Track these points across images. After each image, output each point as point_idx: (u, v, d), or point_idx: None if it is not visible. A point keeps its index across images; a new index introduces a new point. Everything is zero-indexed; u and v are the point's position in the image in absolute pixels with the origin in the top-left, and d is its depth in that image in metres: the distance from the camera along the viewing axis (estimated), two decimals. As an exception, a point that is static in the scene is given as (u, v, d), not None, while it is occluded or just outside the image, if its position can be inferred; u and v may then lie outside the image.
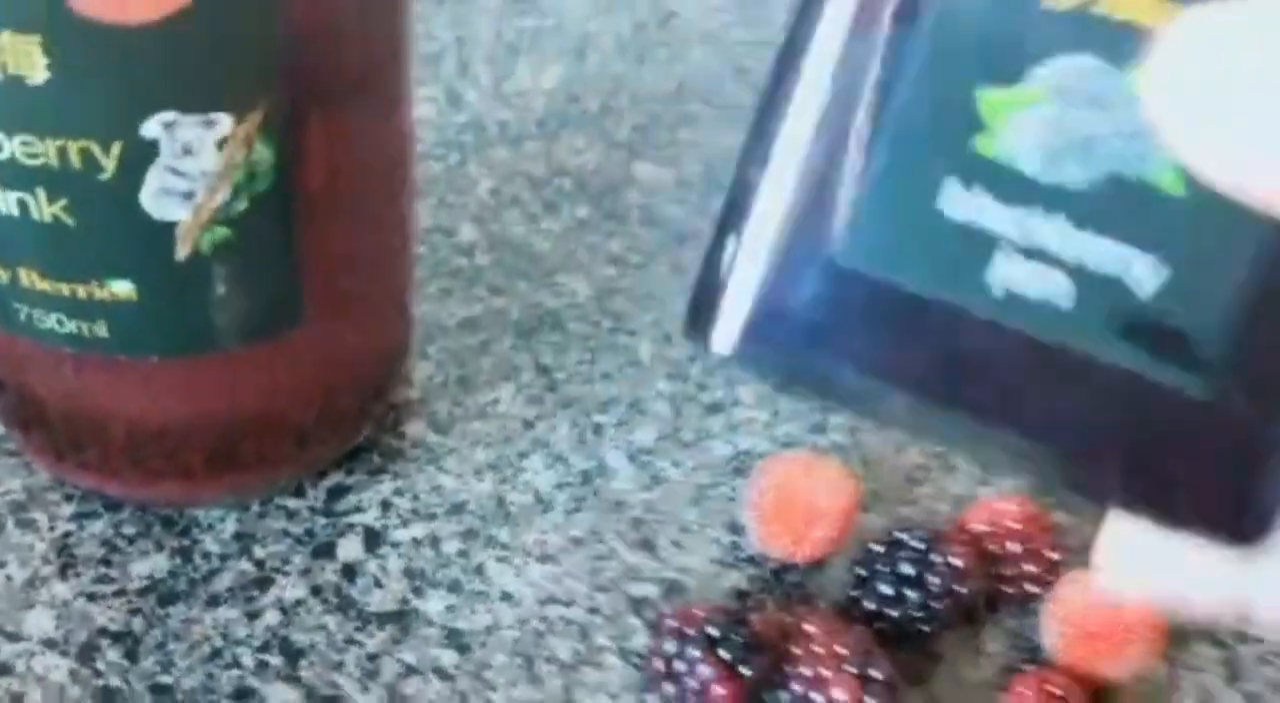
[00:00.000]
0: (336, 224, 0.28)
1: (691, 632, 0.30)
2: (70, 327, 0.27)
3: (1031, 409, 0.17)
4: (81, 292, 0.26)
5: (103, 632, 0.31)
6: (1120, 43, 0.15)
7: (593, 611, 0.33)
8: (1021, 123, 0.16)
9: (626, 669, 0.32)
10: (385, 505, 0.35)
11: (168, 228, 0.25)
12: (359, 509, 0.34)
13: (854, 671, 0.29)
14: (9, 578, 0.32)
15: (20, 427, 0.32)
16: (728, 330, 0.17)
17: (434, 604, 0.33)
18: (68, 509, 0.33)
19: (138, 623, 0.31)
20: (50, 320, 0.27)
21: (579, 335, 0.40)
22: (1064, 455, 0.17)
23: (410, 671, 0.31)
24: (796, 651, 0.30)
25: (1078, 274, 0.16)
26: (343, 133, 0.27)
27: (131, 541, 0.33)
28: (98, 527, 0.33)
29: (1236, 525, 0.16)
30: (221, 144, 0.25)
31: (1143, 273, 0.16)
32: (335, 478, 0.35)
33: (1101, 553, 0.16)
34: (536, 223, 0.43)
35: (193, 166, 0.25)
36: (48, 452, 0.32)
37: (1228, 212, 0.15)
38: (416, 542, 0.34)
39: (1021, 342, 0.16)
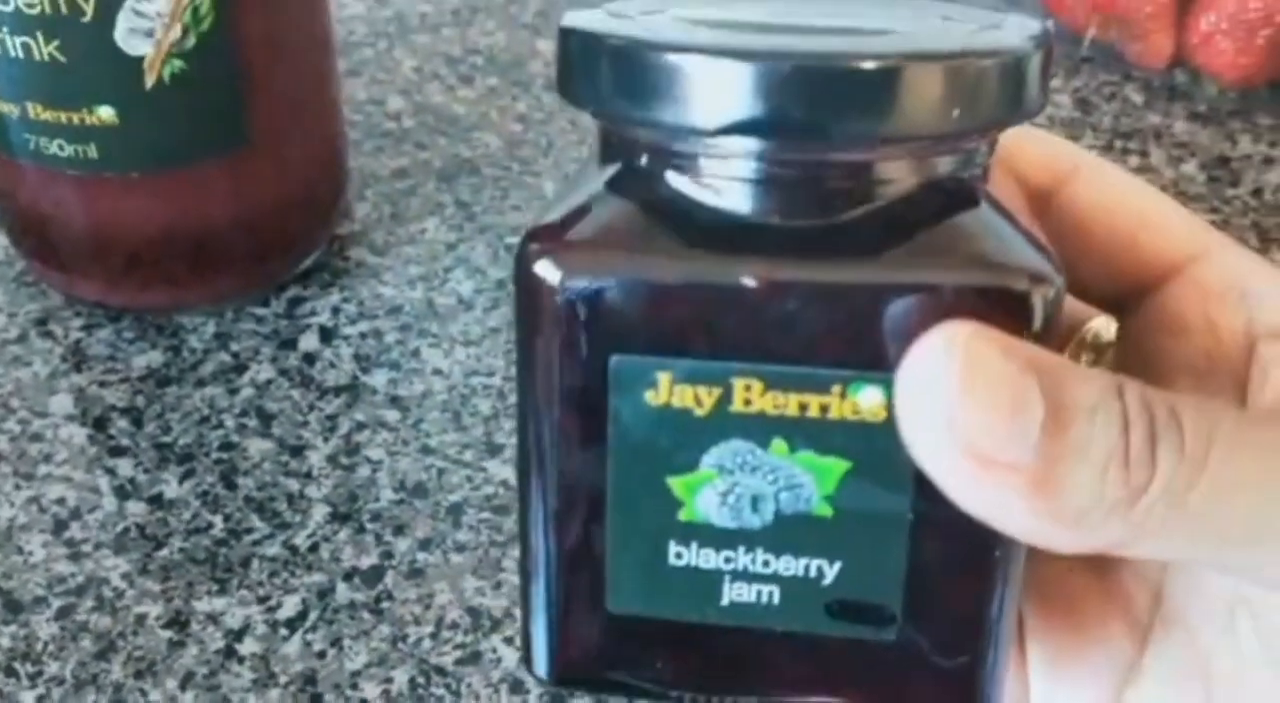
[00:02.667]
0: (271, 62, 0.36)
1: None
2: (69, 150, 0.35)
3: (776, 677, 0.22)
4: (75, 118, 0.34)
5: (113, 408, 0.39)
6: (755, 428, 0.20)
7: (508, 379, 0.41)
8: (706, 495, 0.21)
9: (535, 418, 0.40)
10: (336, 310, 0.43)
11: (137, 61, 0.33)
12: (314, 313, 0.42)
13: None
14: (35, 374, 0.40)
15: (35, 254, 0.40)
16: (543, 662, 0.23)
17: (379, 379, 0.41)
18: (78, 322, 0.41)
19: (140, 400, 0.39)
20: (53, 146, 0.35)
21: (492, 177, 0.48)
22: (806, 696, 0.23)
23: (361, 426, 0.39)
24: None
25: (779, 581, 0.21)
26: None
27: (131, 342, 0.41)
28: (103, 333, 0.41)
29: None
30: (173, -12, 0.32)
31: (821, 571, 0.21)
32: (294, 291, 0.43)
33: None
34: (454, 92, 0.51)
35: (151, 8, 0.32)
36: (55, 268, 0.39)
37: (865, 519, 0.21)
38: (363, 335, 0.42)
39: (757, 634, 0.22)
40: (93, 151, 0.35)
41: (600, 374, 0.20)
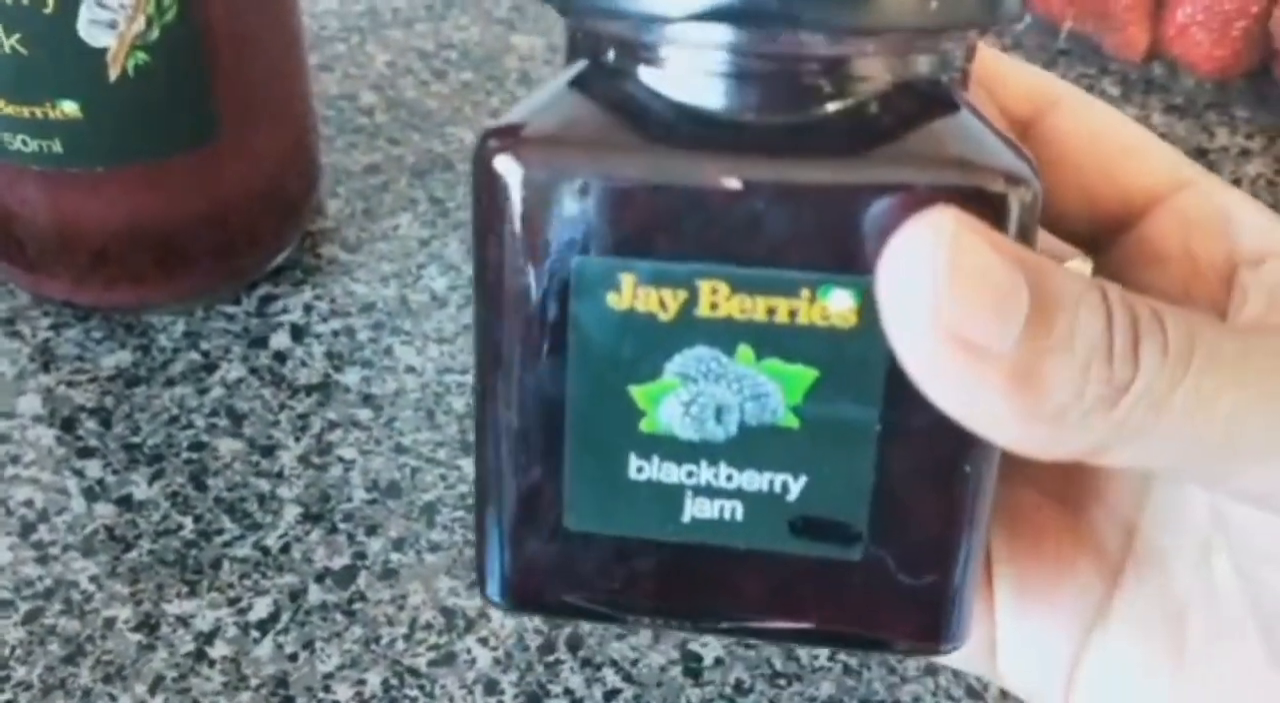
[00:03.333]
0: (238, 55, 0.35)
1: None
2: (33, 146, 0.34)
3: (738, 599, 0.21)
4: (39, 112, 0.33)
5: (81, 408, 0.39)
6: (720, 334, 0.19)
7: (482, 376, 0.40)
8: (668, 405, 0.20)
9: (510, 416, 0.39)
10: (308, 308, 0.42)
11: (100, 53, 0.33)
12: (286, 311, 0.42)
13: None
14: (2, 374, 0.39)
15: (1, 253, 0.39)
16: (497, 584, 0.22)
17: (351, 377, 0.40)
18: (46, 322, 0.41)
19: (109, 400, 0.39)
20: (16, 141, 0.34)
21: (466, 173, 0.47)
22: (777, 630, 0.22)
23: (333, 425, 0.39)
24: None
25: (742, 497, 0.21)
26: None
27: (100, 341, 0.40)
28: (71, 333, 0.40)
29: (934, 638, 0.21)
30: (136, -20, 0.32)
31: (786, 486, 0.20)
32: (265, 289, 0.42)
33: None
34: (427, 87, 0.50)
35: (113, 0, 0.32)
36: (21, 267, 0.39)
37: (832, 431, 0.20)
38: (335, 333, 0.41)
39: (718, 553, 0.21)
40: (57, 147, 0.34)
41: (561, 277, 0.20)
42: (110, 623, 0.34)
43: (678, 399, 0.20)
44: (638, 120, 0.20)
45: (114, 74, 0.33)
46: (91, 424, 0.38)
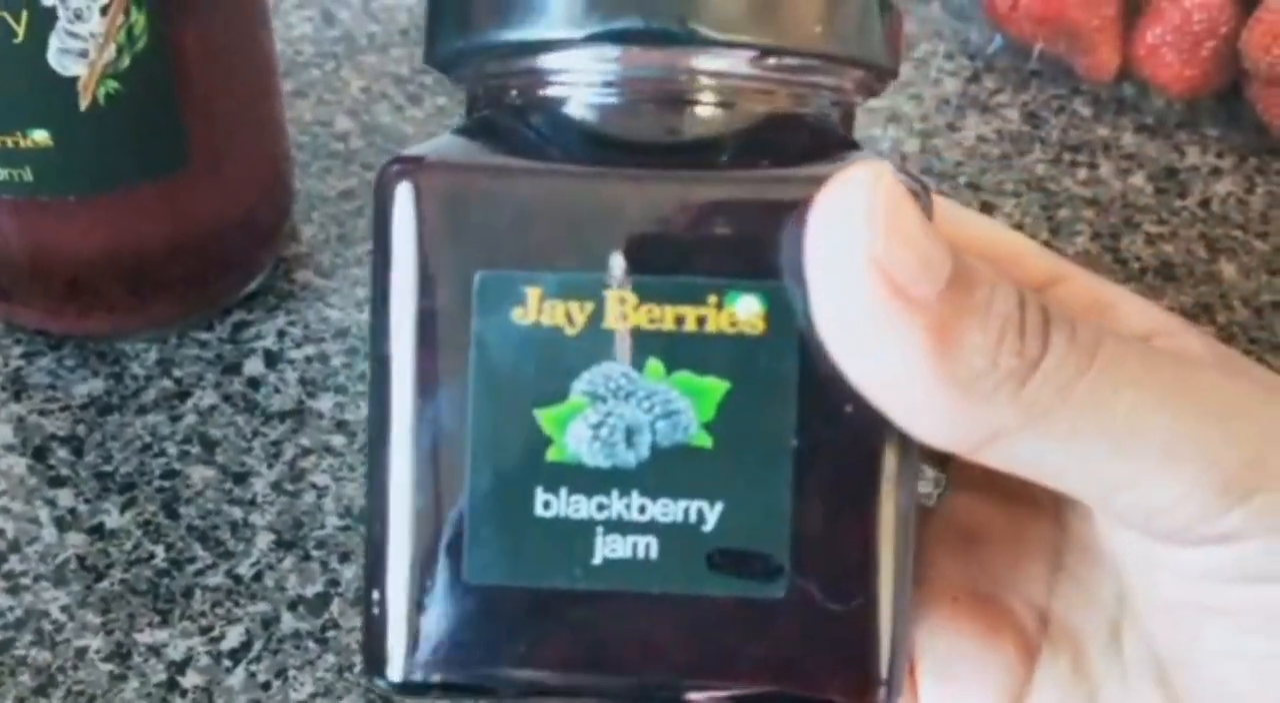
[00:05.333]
0: (210, 82, 0.35)
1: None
2: (3, 174, 0.34)
3: (654, 657, 0.20)
4: (9, 141, 0.33)
5: (53, 437, 0.38)
6: (629, 347, 0.19)
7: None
8: (576, 428, 0.19)
9: (485, 441, 0.39)
10: (281, 334, 0.42)
11: (70, 82, 0.32)
12: (259, 337, 0.42)
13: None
14: (-27, 403, 0.39)
15: (-29, 282, 0.39)
16: (398, 664, 0.20)
17: (325, 403, 0.40)
18: (18, 350, 0.40)
19: (81, 429, 0.39)
20: (-14, 171, 0.34)
21: (441, 197, 0.47)
22: (694, 683, 0.20)
23: (306, 451, 0.39)
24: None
25: (656, 531, 0.19)
26: (209, 3, 0.34)
27: (72, 370, 0.40)
28: (43, 361, 0.40)
29: (871, 683, 0.20)
30: (105, 9, 0.32)
31: (702, 514, 0.19)
32: (238, 315, 0.42)
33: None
34: (403, 112, 0.50)
35: (84, 29, 0.32)
36: (-6, 296, 0.39)
37: (747, 449, 0.19)
38: (309, 359, 0.41)
39: (632, 601, 0.20)
40: (28, 175, 0.34)
41: (463, 295, 0.19)
42: (82, 653, 0.34)
43: (586, 422, 0.19)
44: (537, 145, 0.20)
45: (85, 102, 0.33)
46: (63, 453, 0.38)
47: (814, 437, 0.19)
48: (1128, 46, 0.49)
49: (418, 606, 0.20)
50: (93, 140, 0.34)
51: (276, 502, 0.37)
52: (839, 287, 0.18)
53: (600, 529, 0.20)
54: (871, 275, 0.18)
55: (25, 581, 0.35)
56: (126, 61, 0.33)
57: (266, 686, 0.33)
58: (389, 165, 0.20)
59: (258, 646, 0.34)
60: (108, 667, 0.33)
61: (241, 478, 0.38)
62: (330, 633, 0.34)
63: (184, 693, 0.33)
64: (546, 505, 0.20)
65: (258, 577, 0.35)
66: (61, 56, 0.32)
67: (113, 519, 0.37)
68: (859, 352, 0.18)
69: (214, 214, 0.38)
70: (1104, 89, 0.51)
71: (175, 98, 0.34)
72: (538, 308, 0.19)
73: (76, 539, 0.36)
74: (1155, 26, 0.47)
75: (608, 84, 0.20)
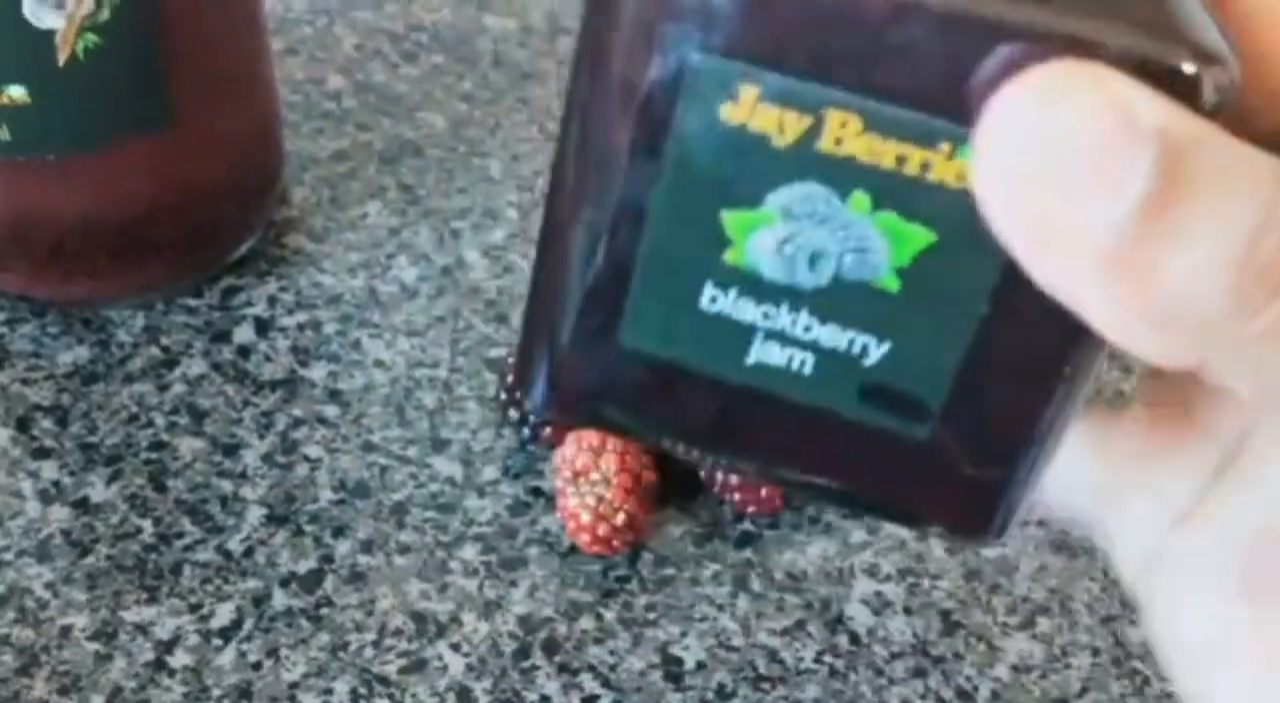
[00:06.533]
0: (194, 37, 0.34)
1: (527, 364, 0.37)
2: (-22, 134, 0.33)
3: (783, 450, 0.20)
4: (-16, 99, 0.32)
5: (36, 407, 0.37)
6: (838, 174, 0.18)
7: (454, 370, 0.39)
8: (761, 239, 0.18)
9: (484, 411, 0.38)
10: (272, 300, 0.41)
11: (48, 35, 0.31)
12: (250, 304, 0.40)
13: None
14: (-48, 372, 0.38)
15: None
16: (541, 396, 0.20)
17: (317, 372, 0.39)
18: (0, 317, 0.39)
19: (65, 398, 0.37)
20: (-39, 130, 0.32)
21: (436, 159, 0.46)
22: (825, 488, 0.20)
23: (298, 422, 0.37)
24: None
25: (816, 351, 0.19)
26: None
27: (56, 337, 0.39)
28: (27, 328, 0.39)
29: (978, 529, 0.20)
30: (83, -41, 0.30)
31: (867, 348, 0.19)
32: (228, 281, 0.41)
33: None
34: (397, 71, 0.49)
35: (62, -20, 0.30)
36: (-26, 261, 0.37)
37: (934, 302, 0.18)
38: (300, 326, 0.40)
39: (775, 401, 0.19)
40: (5, 134, 0.33)
41: (675, 72, 0.17)
42: (66, 632, 0.32)
43: (773, 235, 0.18)
44: None
45: (63, 57, 0.31)
46: (47, 424, 0.37)
47: (1005, 311, 0.18)
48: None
49: (570, 346, 0.20)
50: (72, 97, 0.32)
51: (268, 474, 0.36)
52: (994, 213, 0.16)
53: (760, 335, 0.19)
54: (1017, 217, 0.15)
55: (7, 556, 0.34)
56: (106, 14, 0.31)
57: (257, 665, 0.32)
58: None
59: (248, 624, 0.33)
60: (93, 646, 0.32)
61: (231, 450, 0.36)
62: (324, 611, 0.33)
63: (172, 673, 0.32)
64: (713, 300, 0.19)
65: (248, 552, 0.34)
66: (37, 8, 0.31)
67: (98, 492, 0.35)
68: (1037, 276, 0.16)
69: (201, 176, 0.37)
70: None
71: (158, 52, 0.33)
72: (751, 109, 0.17)
73: (61, 513, 0.35)
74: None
75: None
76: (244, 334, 0.39)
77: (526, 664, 0.32)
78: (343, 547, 0.34)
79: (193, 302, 0.40)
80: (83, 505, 0.35)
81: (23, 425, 0.37)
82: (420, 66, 0.49)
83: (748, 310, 0.19)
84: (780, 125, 0.17)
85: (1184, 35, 0.16)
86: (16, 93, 0.32)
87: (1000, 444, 0.19)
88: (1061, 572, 0.35)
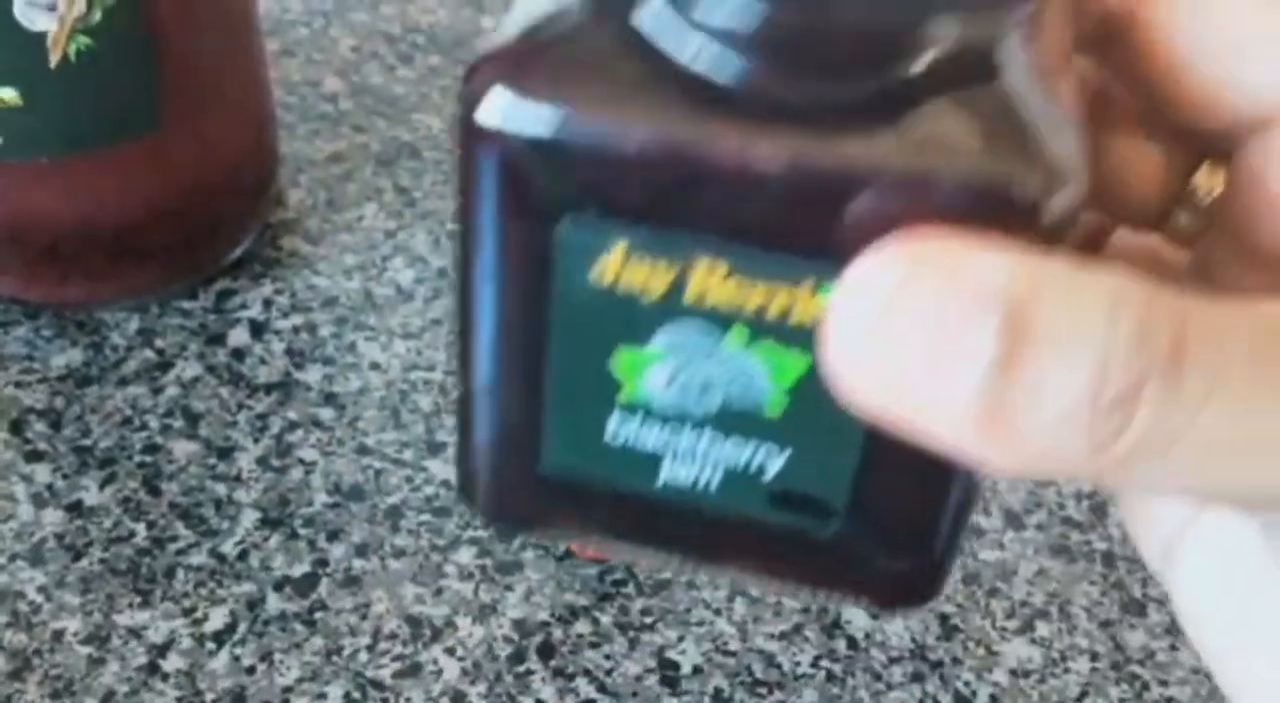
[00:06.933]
0: (188, 38, 0.34)
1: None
2: (-30, 136, 0.32)
3: (709, 548, 0.22)
4: (-24, 101, 0.32)
5: (30, 410, 0.37)
6: (713, 314, 0.19)
7: (450, 373, 0.39)
8: (652, 375, 0.19)
9: (479, 414, 0.38)
10: (267, 303, 0.40)
11: (39, 38, 0.31)
12: (245, 307, 0.40)
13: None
14: (-54, 375, 0.38)
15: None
16: (481, 511, 0.22)
17: (312, 375, 0.38)
18: (-8, 319, 0.39)
19: (59, 401, 0.37)
20: (-47, 132, 0.32)
21: (433, 161, 0.45)
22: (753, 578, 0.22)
23: (293, 425, 0.37)
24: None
25: (721, 467, 0.20)
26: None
27: (50, 340, 0.39)
28: (20, 331, 0.39)
29: (905, 602, 0.22)
30: (76, -40, 0.30)
31: (766, 462, 0.20)
32: (223, 283, 0.41)
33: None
34: (394, 72, 0.49)
35: (54, -18, 0.30)
36: (-33, 263, 0.37)
37: (821, 417, 0.19)
38: (296, 329, 0.40)
39: (690, 510, 0.21)
40: (-3, 137, 0.32)
41: (546, 237, 0.18)
42: (59, 635, 0.32)
43: (663, 371, 0.19)
44: (648, 68, 0.17)
45: (55, 59, 0.31)
46: (41, 426, 0.37)
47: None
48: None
49: (495, 474, 0.21)
50: (64, 99, 0.32)
51: (262, 478, 0.36)
52: (849, 390, 0.17)
53: (667, 459, 0.20)
54: (873, 396, 0.16)
55: (0, 560, 0.34)
56: (98, 16, 0.31)
57: (251, 670, 0.32)
58: (477, 66, 0.18)
59: (242, 628, 0.33)
60: (86, 650, 0.32)
61: (226, 453, 0.36)
62: (318, 614, 0.33)
63: (165, 677, 0.32)
64: (617, 433, 0.20)
65: (242, 556, 0.34)
66: (29, 10, 0.30)
67: (91, 496, 0.35)
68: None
69: (195, 178, 0.37)
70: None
71: (151, 54, 0.33)
72: (622, 263, 0.18)
73: (54, 517, 0.35)
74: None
75: (731, 20, 0.17)
76: (239, 337, 0.39)
77: (522, 669, 0.32)
78: (337, 550, 0.34)
79: (187, 304, 0.40)
80: (76, 509, 0.35)
81: (16, 428, 0.37)
82: (417, 68, 0.49)
83: (651, 438, 0.20)
84: (653, 275, 0.18)
85: (1028, 155, 0.17)
86: (8, 95, 0.32)
87: (910, 533, 0.20)
88: (1060, 576, 0.35)
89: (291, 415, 0.37)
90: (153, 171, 0.35)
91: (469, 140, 0.18)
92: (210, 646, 0.32)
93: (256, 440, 0.37)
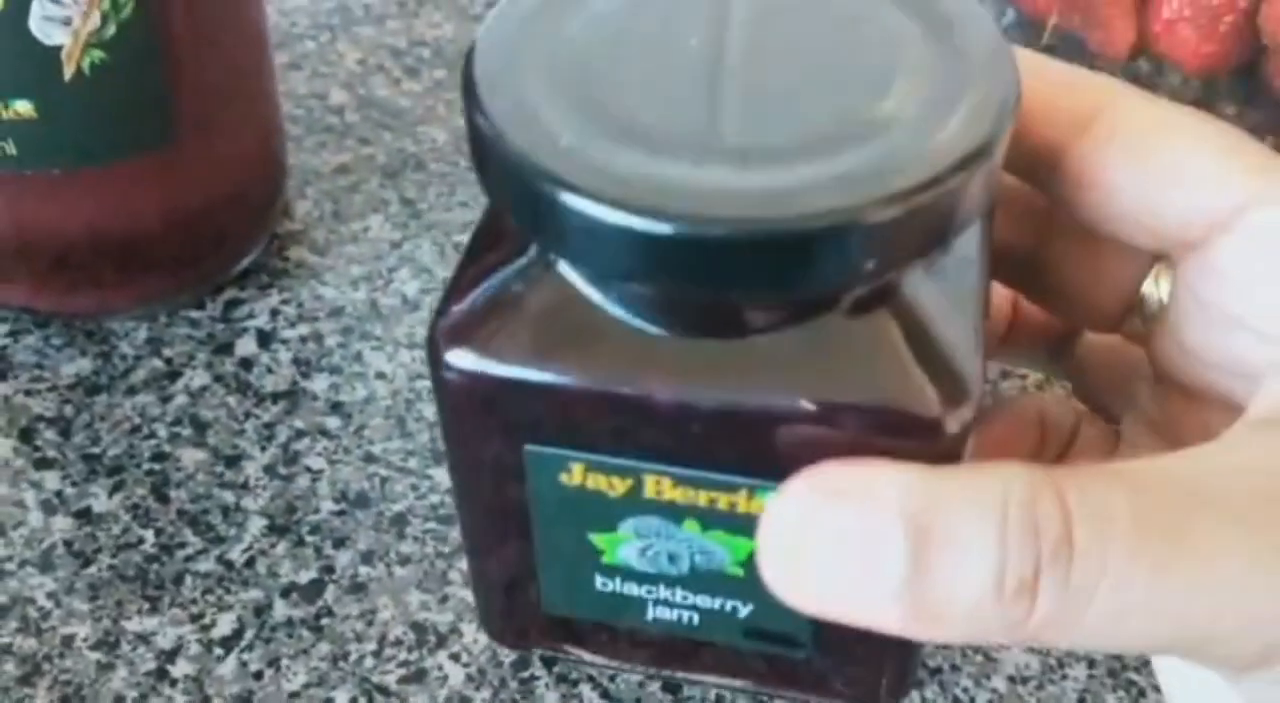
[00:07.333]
0: (200, 52, 0.34)
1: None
2: (-15, 148, 0.33)
3: (703, 665, 0.25)
4: (-9, 113, 0.32)
5: (39, 418, 0.37)
6: (668, 510, 0.22)
7: (455, 383, 0.39)
8: (625, 548, 0.23)
9: (483, 423, 0.38)
10: (274, 313, 0.41)
11: (54, 51, 0.31)
12: (252, 316, 0.41)
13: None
14: (-43, 383, 0.38)
15: (-45, 258, 0.38)
16: (498, 633, 0.27)
17: (319, 384, 0.39)
18: (3, 328, 0.39)
19: (69, 409, 0.38)
20: (-32, 143, 0.33)
21: (439, 173, 0.46)
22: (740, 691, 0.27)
23: (300, 434, 0.38)
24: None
25: (698, 610, 0.23)
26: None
27: (59, 349, 0.39)
28: (30, 340, 0.39)
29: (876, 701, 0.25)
30: (90, -24, 0.31)
31: (736, 608, 0.23)
32: (230, 293, 0.41)
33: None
34: (399, 85, 0.49)
35: (68, -4, 0.31)
36: (-22, 273, 0.38)
37: None
38: (303, 338, 0.40)
39: (679, 639, 0.24)
40: (11, 148, 0.33)
41: (517, 453, 0.21)
42: (68, 641, 0.33)
43: (634, 546, 0.22)
44: (582, 323, 0.20)
45: (69, 73, 0.32)
46: (50, 434, 0.37)
47: None
48: (1143, 22, 0.47)
49: (504, 612, 0.26)
50: (78, 112, 0.33)
51: (269, 485, 0.36)
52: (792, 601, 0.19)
53: (651, 603, 0.23)
54: (815, 606, 0.19)
55: (10, 566, 0.34)
56: (112, 30, 0.32)
57: (259, 675, 0.32)
58: (439, 329, 0.21)
59: (250, 634, 0.33)
60: (95, 655, 0.32)
61: (233, 461, 0.37)
62: (324, 621, 0.33)
63: (174, 683, 0.32)
64: (604, 585, 0.23)
65: (250, 563, 0.34)
66: (44, 24, 0.31)
67: (100, 503, 0.35)
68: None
69: (204, 189, 0.37)
70: (1118, 66, 0.49)
71: (163, 68, 0.33)
72: (583, 476, 0.21)
73: (63, 523, 0.35)
74: (1172, 1, 0.46)
75: (647, 292, 0.20)
76: (246, 346, 0.40)
77: (526, 675, 0.33)
78: (343, 557, 0.35)
79: (195, 314, 0.40)
80: (85, 516, 0.35)
81: (26, 436, 0.37)
82: (422, 81, 0.49)
83: (634, 589, 0.23)
84: (610, 484, 0.21)
85: (928, 379, 0.19)
86: (23, 107, 0.32)
87: (872, 654, 0.23)
88: (1058, 584, 0.35)
89: (298, 424, 0.38)
90: (162, 183, 0.36)
91: (442, 377, 0.21)
92: (218, 651, 0.33)
93: (264, 449, 0.37)
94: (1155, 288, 0.24)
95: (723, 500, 0.21)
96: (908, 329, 0.19)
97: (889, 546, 0.17)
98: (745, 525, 0.21)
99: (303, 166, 0.45)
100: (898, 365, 0.19)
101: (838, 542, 0.18)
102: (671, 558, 0.22)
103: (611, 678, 0.33)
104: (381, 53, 0.50)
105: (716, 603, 0.23)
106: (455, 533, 0.35)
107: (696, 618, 0.23)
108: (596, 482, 0.21)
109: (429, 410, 0.38)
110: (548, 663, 0.33)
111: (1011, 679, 0.33)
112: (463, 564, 0.35)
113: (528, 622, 0.25)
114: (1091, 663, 0.34)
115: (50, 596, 0.33)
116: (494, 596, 0.25)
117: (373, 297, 0.41)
